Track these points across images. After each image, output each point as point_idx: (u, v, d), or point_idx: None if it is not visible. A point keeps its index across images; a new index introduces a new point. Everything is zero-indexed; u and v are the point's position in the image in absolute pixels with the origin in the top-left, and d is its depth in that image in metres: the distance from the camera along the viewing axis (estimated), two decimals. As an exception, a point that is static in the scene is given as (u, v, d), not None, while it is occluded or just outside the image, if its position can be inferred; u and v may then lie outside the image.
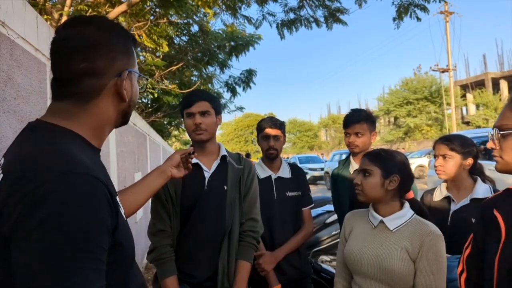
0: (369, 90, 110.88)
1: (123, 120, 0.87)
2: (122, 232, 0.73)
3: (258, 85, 9.09)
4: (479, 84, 26.75)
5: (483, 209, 1.09)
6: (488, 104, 24.55)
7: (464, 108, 29.24)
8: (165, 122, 10.55)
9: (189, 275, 1.50)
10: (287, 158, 24.42)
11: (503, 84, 25.57)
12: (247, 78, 8.77)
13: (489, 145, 1.01)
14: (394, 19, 5.38)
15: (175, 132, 13.40)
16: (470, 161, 1.74)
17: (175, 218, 1.50)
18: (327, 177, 14.53)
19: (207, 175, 1.55)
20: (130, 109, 0.87)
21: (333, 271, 2.46)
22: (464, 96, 27.98)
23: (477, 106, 27.18)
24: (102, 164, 0.81)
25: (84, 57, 0.74)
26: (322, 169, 16.27)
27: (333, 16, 5.78)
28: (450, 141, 1.78)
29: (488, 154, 5.07)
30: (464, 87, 27.96)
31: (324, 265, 2.53)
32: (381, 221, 1.37)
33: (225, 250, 1.51)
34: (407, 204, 1.38)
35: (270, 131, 2.02)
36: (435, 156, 1.83)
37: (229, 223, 1.53)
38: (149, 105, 7.58)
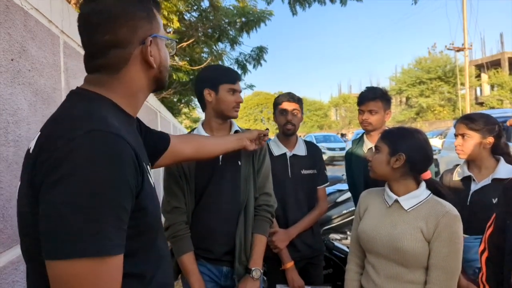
0: (381, 69, 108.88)
1: (157, 85, 0.89)
2: (148, 198, 0.75)
3: (268, 63, 8.95)
4: (495, 64, 25.98)
5: (506, 189, 1.08)
6: (504, 84, 23.92)
7: (478, 89, 28.56)
8: (175, 99, 10.54)
9: (206, 250, 1.51)
10: (301, 136, 24.23)
11: (521, 64, 24.82)
12: (258, 55, 8.62)
13: (510, 122, 0.98)
14: (412, -6, 5.17)
15: (185, 110, 13.39)
16: (490, 139, 1.69)
17: (189, 194, 1.50)
18: None
19: None
20: (162, 74, 0.87)
21: (345, 249, 2.49)
22: (478, 76, 27.30)
23: (492, 87, 26.52)
24: (135, 131, 0.83)
25: (106, 30, 0.76)
26: (342, 149, 15.55)
27: (348, -9, 5.58)
28: (469, 119, 1.73)
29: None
30: (479, 67, 27.22)
31: (336, 243, 2.54)
32: (396, 200, 1.35)
33: (241, 224, 1.52)
34: (423, 184, 1.35)
35: (288, 105, 1.97)
36: (456, 136, 1.79)
37: (244, 197, 1.54)
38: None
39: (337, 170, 11.78)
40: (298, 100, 2.00)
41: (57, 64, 1.57)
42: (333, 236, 4.04)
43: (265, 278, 2.10)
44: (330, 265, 2.34)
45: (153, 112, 4.76)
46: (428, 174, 1.36)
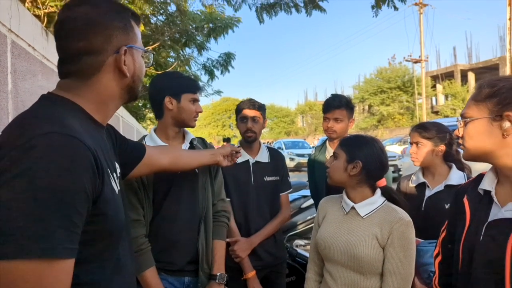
0: (345, 78, 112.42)
1: (130, 95, 0.89)
2: (108, 203, 0.74)
3: (236, 69, 8.98)
4: (448, 75, 27.64)
5: (456, 195, 1.12)
6: (456, 94, 25.47)
7: (434, 98, 30.21)
8: (140, 104, 10.27)
9: (168, 263, 1.47)
10: (268, 142, 24.13)
11: (471, 76, 26.52)
12: (226, 61, 8.61)
13: (456, 133, 1.04)
14: (372, 7, 5.39)
15: (150, 115, 13.07)
16: (442, 147, 1.78)
17: (148, 206, 1.47)
18: None
19: None
20: (135, 84, 0.88)
21: (308, 255, 2.50)
22: (434, 86, 28.89)
23: (446, 97, 28.16)
24: (102, 138, 0.83)
25: (80, 37, 0.78)
26: (310, 155, 15.61)
27: (313, 2, 5.72)
28: (422, 128, 1.82)
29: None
30: (435, 78, 28.82)
31: (299, 250, 2.55)
32: (353, 207, 1.37)
33: (202, 232, 1.51)
34: (378, 191, 1.39)
35: (248, 112, 1.96)
36: (411, 144, 1.86)
37: (204, 205, 1.54)
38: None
39: (304, 176, 11.95)
40: (259, 107, 1.99)
41: (3, 65, 1.47)
42: (297, 242, 4.06)
43: (226, 288, 2.06)
44: (293, 272, 2.35)
45: (115, 118, 4.59)
46: (383, 182, 1.40)
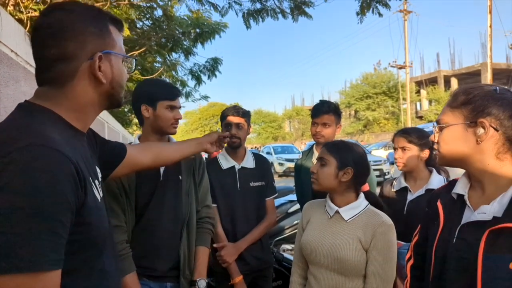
0: (332, 84, 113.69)
1: (110, 102, 0.88)
2: (92, 212, 0.75)
3: (224, 75, 8.99)
4: (432, 81, 28.26)
5: (430, 199, 1.14)
6: (440, 100, 26.02)
7: (418, 103, 30.79)
8: (126, 110, 10.17)
9: (150, 268, 1.47)
10: (256, 148, 24.01)
11: (454, 82, 27.18)
12: (213, 66, 8.60)
13: (431, 138, 1.06)
14: (357, 14, 5.50)
15: (136, 120, 12.94)
16: (426, 152, 1.83)
17: (130, 212, 1.46)
18: None
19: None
20: (115, 91, 0.87)
21: (294, 260, 2.52)
22: (418, 92, 29.46)
23: (430, 102, 28.75)
24: (83, 145, 0.82)
25: (53, 44, 0.77)
26: (297, 159, 15.26)
27: (299, 8, 5.80)
28: (408, 134, 1.86)
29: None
30: (419, 83, 29.40)
31: (285, 254, 2.57)
32: (337, 212, 1.39)
33: (185, 238, 1.52)
34: (362, 195, 1.42)
35: (232, 119, 1.98)
36: (395, 149, 1.90)
37: (187, 211, 1.54)
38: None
39: (291, 181, 12.01)
40: (244, 114, 2.00)
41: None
42: (284, 246, 4.07)
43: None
44: (279, 276, 2.36)
45: (100, 123, 4.54)
46: (366, 186, 1.43)
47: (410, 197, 1.84)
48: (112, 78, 0.84)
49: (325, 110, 2.03)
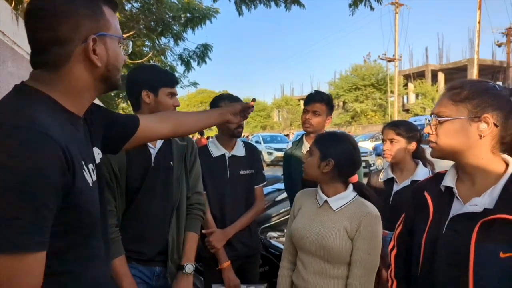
0: (321, 74, 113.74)
1: (105, 85, 0.87)
2: (81, 196, 0.75)
3: (213, 61, 8.90)
4: (420, 75, 28.58)
5: (414, 191, 1.17)
6: (427, 94, 26.42)
7: (405, 97, 31.17)
8: (113, 94, 10.00)
9: (138, 252, 1.49)
10: (245, 136, 23.97)
11: (441, 76, 27.57)
12: (203, 52, 8.51)
13: (426, 130, 1.06)
14: (349, 6, 5.50)
15: (123, 105, 12.75)
16: (413, 145, 1.88)
17: (120, 197, 1.47)
18: None
19: (153, 151, 1.54)
20: (111, 73, 0.86)
21: (282, 246, 2.57)
22: (406, 85, 29.79)
23: (417, 95, 29.14)
24: (75, 130, 0.81)
25: (46, 27, 0.76)
26: (287, 149, 14.98)
27: (292, -3, 5.76)
28: (397, 126, 1.91)
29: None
30: (407, 77, 29.71)
31: (273, 241, 2.61)
32: (326, 201, 1.43)
33: (174, 224, 1.54)
34: (350, 186, 1.45)
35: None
36: (383, 141, 1.95)
37: (176, 197, 1.56)
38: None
39: (278, 170, 12.08)
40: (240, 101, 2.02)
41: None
42: (271, 234, 4.13)
43: (202, 279, 2.09)
44: (266, 262, 2.40)
45: (87, 106, 4.47)
46: (355, 178, 1.47)
47: (396, 187, 1.89)
48: (108, 61, 0.83)
49: (317, 99, 2.07)
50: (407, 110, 28.15)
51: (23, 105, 0.72)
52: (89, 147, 0.90)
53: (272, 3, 6.68)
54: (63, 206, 0.70)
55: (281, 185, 4.64)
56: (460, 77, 26.35)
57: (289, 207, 4.43)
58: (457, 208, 1.00)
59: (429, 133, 1.05)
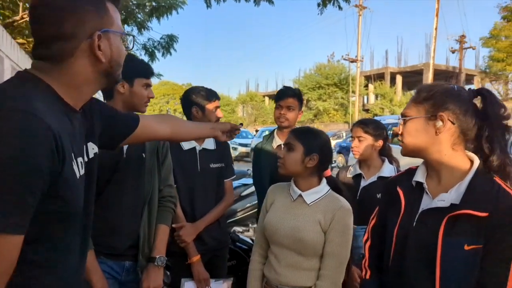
0: (286, 71, 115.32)
1: (107, 80, 0.87)
2: (67, 186, 0.74)
3: (178, 53, 8.73)
4: (380, 76, 29.79)
5: (387, 186, 1.24)
6: (385, 95, 27.59)
7: (365, 97, 32.38)
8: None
9: (108, 246, 1.44)
10: None
11: (399, 79, 28.91)
12: (168, 43, 8.32)
13: (395, 130, 1.14)
14: (318, 5, 5.61)
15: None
16: (380, 142, 1.96)
17: None
18: (252, 153, 14.32)
19: None
20: (113, 69, 0.86)
21: (249, 240, 2.60)
22: (367, 86, 30.94)
23: (376, 96, 30.37)
24: (69, 122, 0.80)
25: (51, 22, 0.77)
26: (248, 145, 14.70)
27: (263, -7, 5.77)
28: (365, 124, 1.99)
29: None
30: (368, 78, 30.84)
31: (241, 235, 2.62)
32: (300, 195, 1.45)
33: (145, 217, 1.51)
34: (324, 180, 1.49)
35: (218, 103, 2.01)
36: (352, 138, 2.01)
37: (148, 190, 1.53)
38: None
39: (242, 166, 12.11)
40: (219, 98, 2.06)
41: None
42: (236, 228, 4.14)
43: (168, 273, 2.05)
44: (234, 256, 2.40)
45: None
46: (328, 172, 1.50)
47: (363, 183, 1.97)
48: (111, 57, 0.84)
49: (290, 94, 2.10)
50: (367, 110, 29.25)
51: (22, 90, 0.73)
52: (82, 141, 0.88)
53: (242, -3, 6.64)
54: (47, 194, 0.70)
55: (246, 180, 4.65)
56: (416, 80, 27.81)
57: (255, 202, 4.48)
58: (426, 203, 1.07)
59: (397, 133, 1.12)
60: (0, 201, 0.63)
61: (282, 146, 1.54)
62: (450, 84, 1.08)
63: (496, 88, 18.48)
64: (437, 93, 1.05)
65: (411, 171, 1.17)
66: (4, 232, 0.64)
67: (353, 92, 27.51)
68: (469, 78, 26.65)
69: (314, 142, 1.44)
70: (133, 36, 0.93)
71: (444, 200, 1.01)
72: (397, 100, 26.11)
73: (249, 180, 4.83)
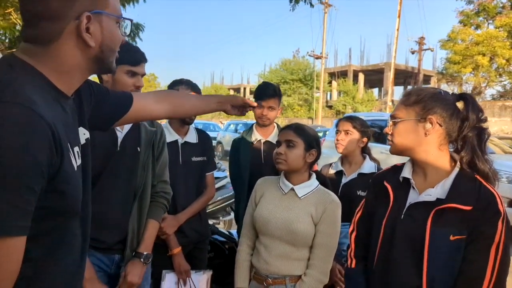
0: (252, 65, 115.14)
1: (99, 67, 0.82)
2: (66, 180, 0.71)
3: (144, 42, 8.49)
4: (343, 74, 30.67)
5: (375, 180, 1.32)
6: (348, 92, 28.48)
7: (329, 93, 33.22)
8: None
9: (96, 240, 1.40)
10: None
11: (361, 77, 29.92)
12: (133, 32, 8.03)
13: (386, 130, 1.22)
14: (290, 1, 5.66)
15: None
16: (365, 139, 2.04)
17: None
18: (219, 147, 14.40)
19: (120, 135, 1.46)
20: (105, 55, 0.81)
21: (227, 233, 2.65)
22: (330, 82, 31.73)
23: (339, 93, 31.27)
24: (62, 109, 0.76)
25: (38, 0, 0.73)
26: (215, 138, 14.73)
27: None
28: (353, 119, 2.06)
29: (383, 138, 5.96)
30: (331, 75, 31.64)
31: (220, 228, 2.65)
32: (292, 189, 1.52)
33: (135, 211, 1.48)
34: (314, 175, 1.57)
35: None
36: (338, 132, 2.07)
37: (140, 184, 1.50)
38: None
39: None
40: (199, 89, 2.02)
41: None
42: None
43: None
44: (212, 249, 2.44)
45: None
46: (315, 167, 1.58)
47: (344, 180, 2.04)
48: (102, 41, 0.79)
49: (271, 94, 2.11)
50: (330, 107, 30.05)
51: (10, 78, 0.68)
52: (76, 128, 0.85)
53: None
54: (46, 189, 0.67)
55: (217, 173, 4.66)
56: (377, 78, 28.93)
57: (226, 195, 4.51)
58: (413, 197, 1.16)
59: (387, 133, 1.20)
60: (2, 204, 0.60)
61: (278, 143, 1.56)
62: (437, 89, 1.17)
63: (451, 89, 19.72)
64: (426, 97, 1.13)
65: (397, 168, 1.26)
66: (8, 235, 0.62)
67: (317, 88, 28.11)
68: (427, 79, 28.14)
69: (312, 138, 1.51)
70: (131, 20, 0.87)
71: (431, 195, 1.11)
72: (359, 98, 27.03)
73: (220, 174, 4.84)
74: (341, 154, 2.11)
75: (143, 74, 1.49)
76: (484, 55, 16.63)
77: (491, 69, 17.14)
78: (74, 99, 0.87)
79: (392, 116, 1.19)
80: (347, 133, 2.02)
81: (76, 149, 0.80)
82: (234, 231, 2.69)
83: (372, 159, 2.10)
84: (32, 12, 0.74)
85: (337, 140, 2.05)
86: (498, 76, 17.69)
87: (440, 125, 1.11)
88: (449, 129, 1.12)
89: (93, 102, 0.98)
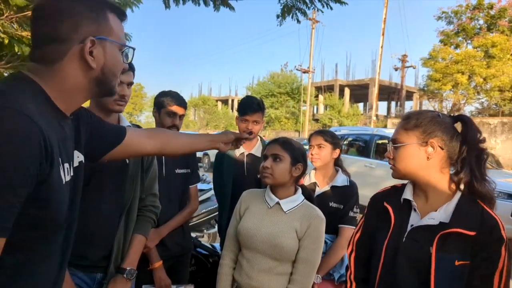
0: (240, 78, 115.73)
1: (99, 89, 0.86)
2: (53, 190, 0.72)
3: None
4: (329, 88, 31.13)
5: (374, 201, 1.29)
6: (334, 106, 28.88)
7: (315, 107, 33.63)
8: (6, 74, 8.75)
9: (80, 257, 1.33)
10: None
11: (347, 91, 30.43)
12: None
13: (387, 154, 1.21)
14: (277, 16, 5.76)
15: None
16: (337, 151, 2.09)
17: None
18: (206, 158, 14.52)
19: None
20: (106, 78, 0.85)
21: (210, 246, 2.61)
22: (317, 96, 32.16)
23: (326, 107, 31.68)
24: (59, 126, 0.79)
25: (47, 23, 0.79)
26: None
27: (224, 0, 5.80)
28: (324, 133, 2.11)
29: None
30: (318, 89, 32.09)
31: (202, 241, 2.62)
32: (277, 203, 1.51)
33: (122, 226, 1.43)
34: (299, 190, 1.57)
35: (178, 109, 1.97)
36: (310, 147, 2.11)
37: (128, 198, 1.45)
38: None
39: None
40: (186, 105, 2.04)
41: None
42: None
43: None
44: (195, 262, 2.40)
45: None
46: (302, 180, 1.59)
47: (317, 191, 2.06)
48: (104, 64, 0.84)
49: (256, 108, 2.11)
50: (316, 120, 30.36)
51: (13, 90, 0.73)
52: (71, 147, 0.86)
53: (202, 1, 6.64)
54: (33, 197, 0.68)
55: (201, 186, 4.63)
56: (362, 93, 29.45)
57: (210, 208, 4.46)
58: (415, 220, 1.14)
59: (389, 157, 1.19)
60: None
61: (264, 157, 1.56)
62: (435, 112, 1.17)
63: (432, 106, 20.19)
64: (425, 120, 1.13)
65: (397, 188, 1.25)
66: None
67: (304, 101, 28.44)
68: (409, 95, 28.80)
69: (298, 153, 1.51)
70: (133, 49, 0.91)
71: (434, 219, 1.09)
72: (344, 112, 27.43)
73: (204, 186, 4.81)
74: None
75: (130, 83, 1.46)
76: (463, 73, 17.16)
77: (470, 87, 17.67)
78: (73, 122, 0.89)
79: (393, 141, 1.17)
80: (320, 147, 2.06)
81: (67, 165, 0.81)
82: (217, 244, 2.66)
83: (344, 171, 2.13)
84: (40, 35, 0.80)
85: (312, 154, 2.08)
86: (476, 94, 18.23)
87: (442, 148, 1.11)
88: (450, 152, 1.12)
89: (89, 130, 1.00)
